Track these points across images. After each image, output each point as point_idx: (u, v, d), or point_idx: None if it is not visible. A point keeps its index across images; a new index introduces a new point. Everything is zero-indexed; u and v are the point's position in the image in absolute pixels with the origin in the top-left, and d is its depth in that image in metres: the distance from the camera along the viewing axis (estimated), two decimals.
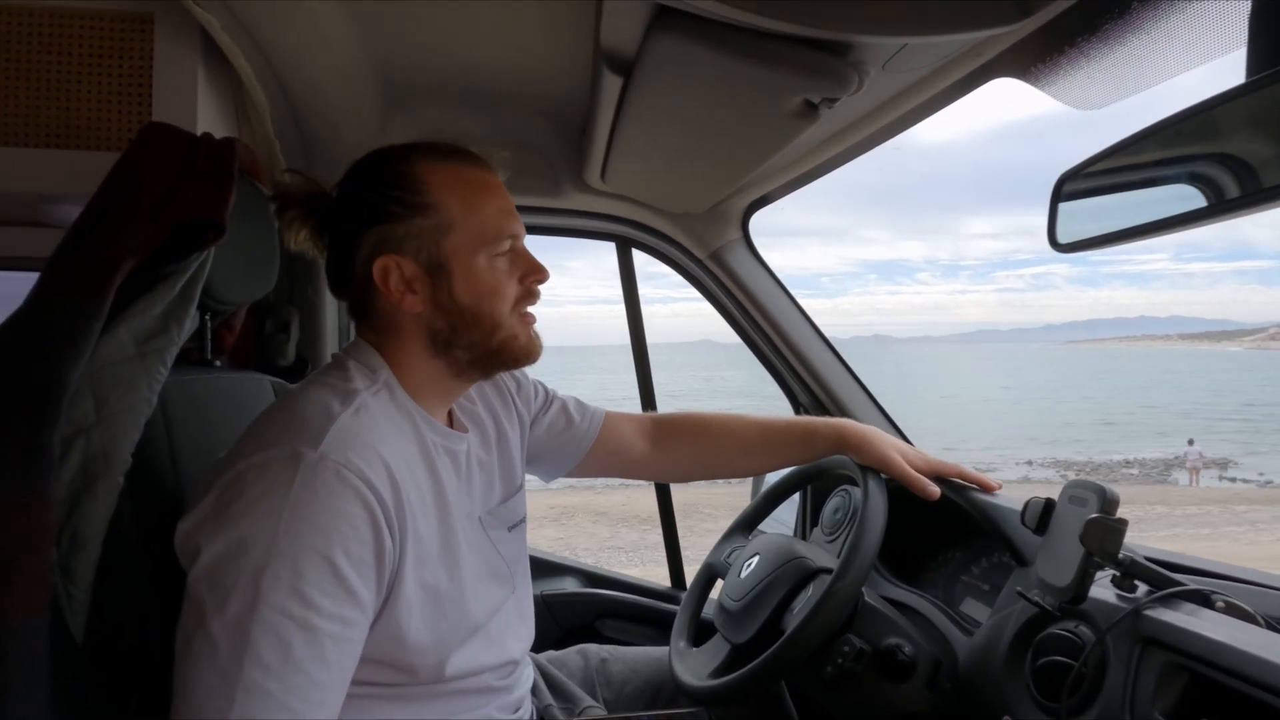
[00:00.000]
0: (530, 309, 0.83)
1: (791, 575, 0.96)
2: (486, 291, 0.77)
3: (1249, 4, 0.56)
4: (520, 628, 0.90)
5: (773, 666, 0.87)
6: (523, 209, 1.58)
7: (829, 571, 0.91)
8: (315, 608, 0.60)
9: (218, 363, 1.00)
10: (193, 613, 0.60)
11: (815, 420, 1.11)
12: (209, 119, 1.00)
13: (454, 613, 0.75)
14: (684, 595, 1.14)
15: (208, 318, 0.95)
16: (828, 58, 0.76)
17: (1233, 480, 19.18)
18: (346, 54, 1.04)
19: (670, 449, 1.13)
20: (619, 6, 0.72)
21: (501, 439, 0.93)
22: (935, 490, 0.99)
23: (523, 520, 0.94)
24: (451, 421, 0.87)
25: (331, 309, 1.44)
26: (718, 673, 0.96)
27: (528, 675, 0.93)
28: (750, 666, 0.88)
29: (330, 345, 1.43)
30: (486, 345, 0.79)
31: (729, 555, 1.11)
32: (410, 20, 0.99)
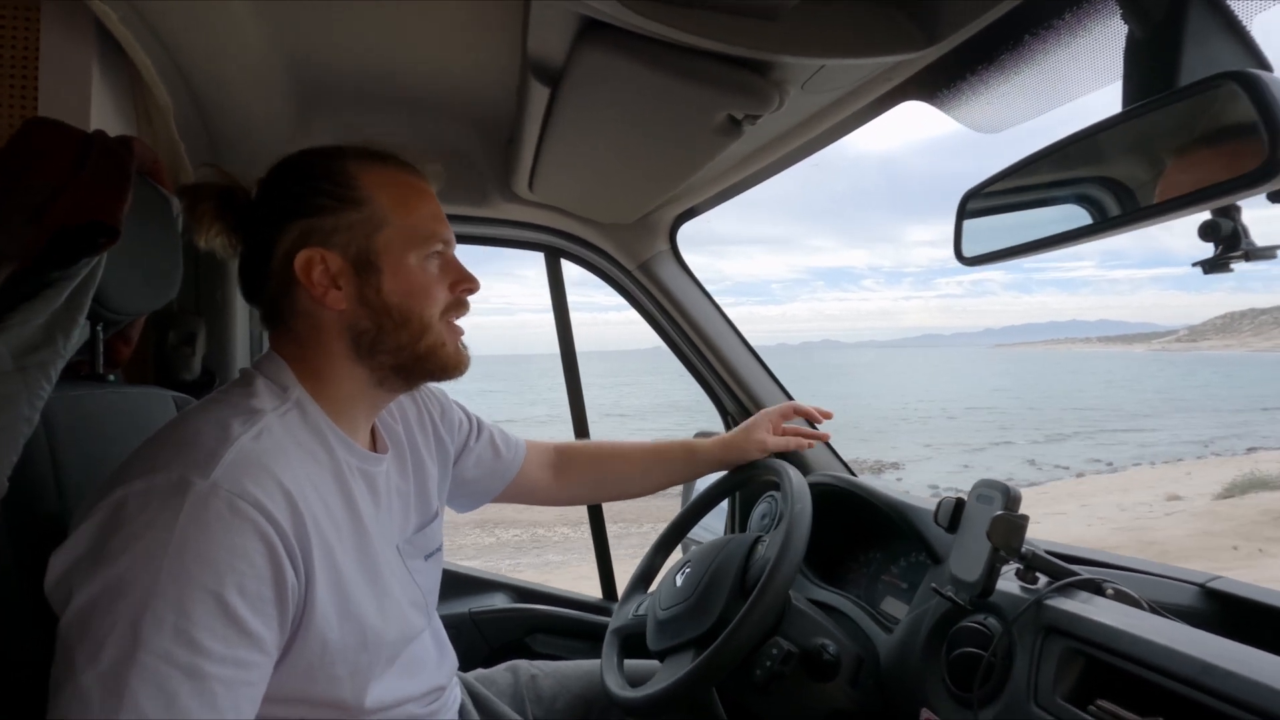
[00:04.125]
0: (459, 321, 0.80)
1: (736, 550, 0.99)
2: (417, 291, 0.75)
3: (1123, 42, 0.62)
4: (440, 655, 0.88)
5: (708, 667, 0.86)
6: (449, 218, 1.55)
7: (762, 542, 0.97)
8: (204, 652, 0.54)
9: (111, 377, 0.93)
10: (62, 664, 0.53)
11: (698, 440, 1.22)
12: (104, 117, 0.93)
13: (374, 643, 0.71)
14: (600, 662, 1.07)
15: (99, 328, 0.89)
16: (750, 76, 0.78)
17: (898, 480, 20.53)
18: (257, 51, 0.99)
19: (572, 475, 1.18)
20: (546, 17, 0.73)
21: (418, 466, 0.89)
22: (781, 443, 1.18)
23: (439, 549, 0.91)
24: (375, 441, 0.83)
25: (242, 319, 1.37)
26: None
27: (454, 698, 0.90)
28: (686, 671, 0.88)
29: (240, 358, 1.35)
30: (413, 349, 0.75)
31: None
32: (324, 18, 0.96)
